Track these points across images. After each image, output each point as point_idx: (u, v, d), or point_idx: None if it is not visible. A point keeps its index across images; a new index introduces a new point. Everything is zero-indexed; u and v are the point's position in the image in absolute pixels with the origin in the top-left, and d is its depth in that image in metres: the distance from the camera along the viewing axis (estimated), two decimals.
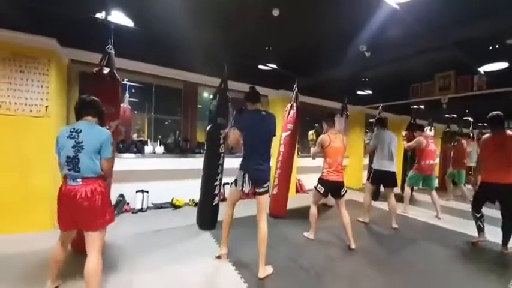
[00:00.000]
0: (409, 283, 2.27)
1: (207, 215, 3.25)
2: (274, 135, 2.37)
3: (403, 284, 2.26)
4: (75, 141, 1.63)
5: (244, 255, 2.56)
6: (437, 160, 4.77)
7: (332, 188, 2.93)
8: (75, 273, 1.97)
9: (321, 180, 2.98)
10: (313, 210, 3.09)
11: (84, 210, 1.61)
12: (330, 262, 2.59)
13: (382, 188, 4.13)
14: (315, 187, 3.03)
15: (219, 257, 2.47)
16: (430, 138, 4.33)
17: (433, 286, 2.25)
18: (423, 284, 2.26)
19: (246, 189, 2.23)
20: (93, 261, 1.64)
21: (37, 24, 2.72)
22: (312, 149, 3.15)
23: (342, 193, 2.91)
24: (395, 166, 3.70)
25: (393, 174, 3.65)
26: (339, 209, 2.96)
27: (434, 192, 4.22)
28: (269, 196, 2.45)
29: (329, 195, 3.02)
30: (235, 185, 2.30)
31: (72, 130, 1.66)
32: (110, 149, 1.73)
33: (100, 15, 2.55)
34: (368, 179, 3.87)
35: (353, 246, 2.86)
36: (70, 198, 1.60)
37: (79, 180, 1.62)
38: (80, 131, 1.65)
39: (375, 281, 2.28)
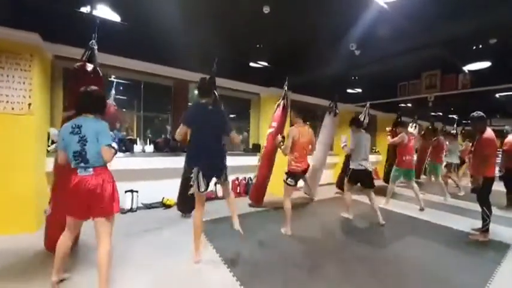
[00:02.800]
0: (397, 276, 2.33)
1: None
2: (228, 132, 2.33)
3: (392, 277, 2.31)
4: (79, 136, 1.73)
5: (235, 252, 2.56)
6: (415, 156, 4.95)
7: (300, 177, 3.09)
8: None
9: (289, 173, 3.05)
10: (288, 204, 3.10)
11: (96, 198, 1.72)
12: (320, 257, 2.61)
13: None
14: (285, 181, 3.08)
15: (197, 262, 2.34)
16: (411, 135, 4.54)
17: (423, 277, 2.32)
18: (411, 276, 2.32)
19: (202, 189, 2.21)
20: (104, 247, 1.75)
21: (19, 18, 2.61)
22: (283, 147, 3.09)
23: (290, 181, 3.03)
24: (370, 164, 3.77)
25: (370, 173, 3.70)
26: (285, 196, 3.09)
27: (414, 184, 4.39)
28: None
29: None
30: (194, 187, 2.25)
31: (74, 126, 1.75)
32: (108, 136, 1.80)
33: (85, 9, 2.47)
34: (347, 177, 3.89)
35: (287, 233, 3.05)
36: (83, 187, 1.70)
37: (90, 170, 1.74)
38: (81, 126, 1.74)
39: (363, 274, 2.32)
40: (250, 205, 4.26)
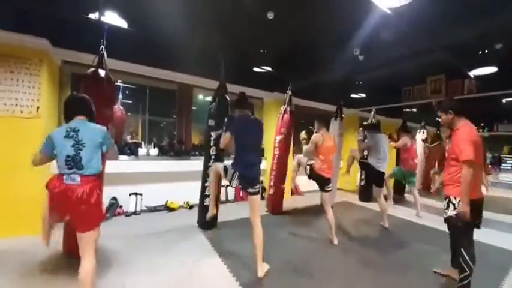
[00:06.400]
0: (401, 281, 2.29)
1: (201, 215, 3.31)
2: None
3: (395, 282, 2.28)
4: (75, 140, 1.64)
5: (238, 257, 2.55)
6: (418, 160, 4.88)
7: (320, 181, 3.06)
8: (69, 277, 1.93)
9: (312, 170, 3.06)
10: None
11: (81, 211, 1.60)
12: (323, 261, 2.59)
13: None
14: (311, 168, 3.10)
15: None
16: (413, 139, 4.61)
17: (428, 285, 2.28)
18: (415, 283, 2.29)
19: (234, 184, 2.33)
20: (88, 262, 1.63)
21: (29, 24, 2.68)
22: (305, 147, 3.23)
23: (327, 188, 3.03)
24: (387, 167, 3.77)
25: (383, 174, 3.74)
26: (326, 205, 3.05)
27: (415, 190, 4.43)
28: (263, 197, 2.46)
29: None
30: (223, 171, 2.40)
31: (69, 129, 1.65)
32: (111, 139, 1.82)
33: (93, 15, 2.53)
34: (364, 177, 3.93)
35: (335, 242, 3.02)
36: (67, 197, 1.58)
37: (78, 179, 1.61)
38: (78, 130, 1.66)
39: (366, 279, 2.29)
40: (272, 213, 4.08)
